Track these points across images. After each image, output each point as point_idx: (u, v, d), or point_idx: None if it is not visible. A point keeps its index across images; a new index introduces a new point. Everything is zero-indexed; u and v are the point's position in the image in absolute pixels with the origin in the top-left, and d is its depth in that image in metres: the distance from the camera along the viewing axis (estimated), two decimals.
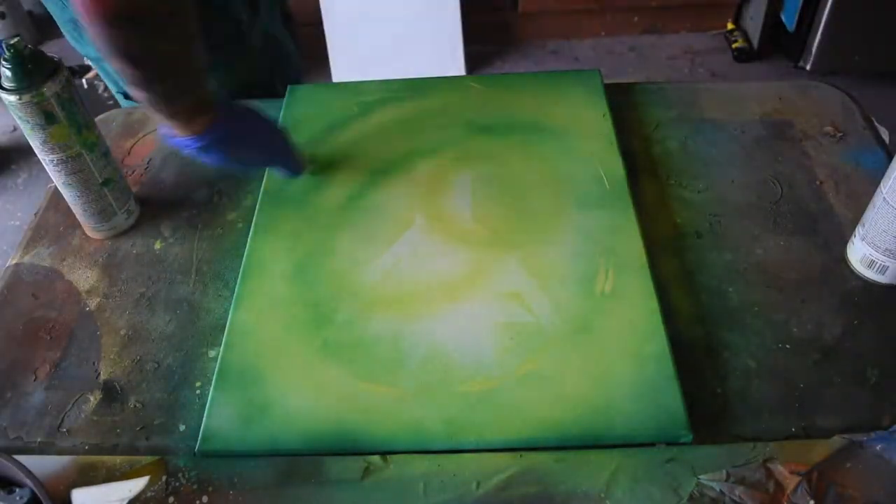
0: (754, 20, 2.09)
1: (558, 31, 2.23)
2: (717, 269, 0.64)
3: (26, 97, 0.59)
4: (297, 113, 0.80)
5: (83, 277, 0.68)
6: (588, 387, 0.55)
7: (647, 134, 0.77)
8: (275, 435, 0.54)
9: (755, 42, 2.09)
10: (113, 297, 0.66)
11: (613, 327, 0.58)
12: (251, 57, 0.89)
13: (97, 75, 1.92)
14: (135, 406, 0.58)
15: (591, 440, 0.52)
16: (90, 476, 0.53)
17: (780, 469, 0.50)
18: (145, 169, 0.78)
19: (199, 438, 0.54)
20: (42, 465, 0.53)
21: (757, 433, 0.53)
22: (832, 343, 0.58)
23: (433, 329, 0.59)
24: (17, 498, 0.51)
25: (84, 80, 1.89)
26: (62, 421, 0.57)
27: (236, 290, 0.63)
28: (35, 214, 0.75)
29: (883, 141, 0.75)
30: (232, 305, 0.62)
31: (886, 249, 0.59)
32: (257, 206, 0.70)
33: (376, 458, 0.53)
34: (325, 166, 0.74)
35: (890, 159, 0.61)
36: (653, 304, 0.59)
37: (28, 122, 0.61)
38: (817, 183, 0.71)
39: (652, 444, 0.52)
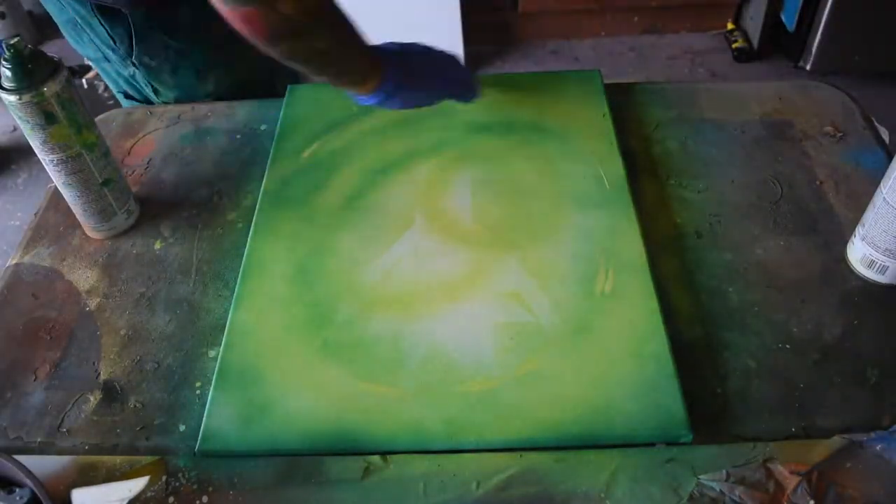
0: (754, 20, 2.09)
1: (558, 31, 2.24)
2: (717, 269, 0.64)
3: (26, 97, 0.59)
4: (297, 113, 0.80)
5: (83, 277, 0.68)
6: (588, 387, 0.55)
7: (647, 134, 0.77)
8: (275, 435, 0.54)
9: (755, 42, 2.09)
10: (113, 297, 0.66)
11: (613, 327, 0.58)
12: (251, 57, 0.89)
13: (97, 75, 1.92)
14: (135, 406, 0.58)
15: (590, 440, 0.52)
16: (90, 476, 0.53)
17: (780, 469, 0.50)
18: (145, 169, 0.78)
19: (199, 438, 0.54)
20: (42, 465, 0.53)
21: (757, 433, 0.53)
22: (832, 343, 0.58)
23: (433, 329, 0.59)
24: (17, 498, 0.51)
25: (84, 80, 1.89)
26: (62, 421, 0.57)
27: (236, 290, 0.63)
28: (35, 214, 0.75)
29: (883, 141, 0.75)
30: (232, 305, 0.62)
31: (886, 249, 0.59)
32: (257, 206, 0.70)
33: (376, 458, 0.53)
34: (326, 166, 0.74)
35: (890, 159, 0.61)
36: (653, 304, 0.59)
37: (28, 122, 0.61)
38: (817, 183, 0.71)
39: (652, 444, 0.52)
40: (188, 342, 0.62)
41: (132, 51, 0.85)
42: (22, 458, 0.50)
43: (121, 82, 0.91)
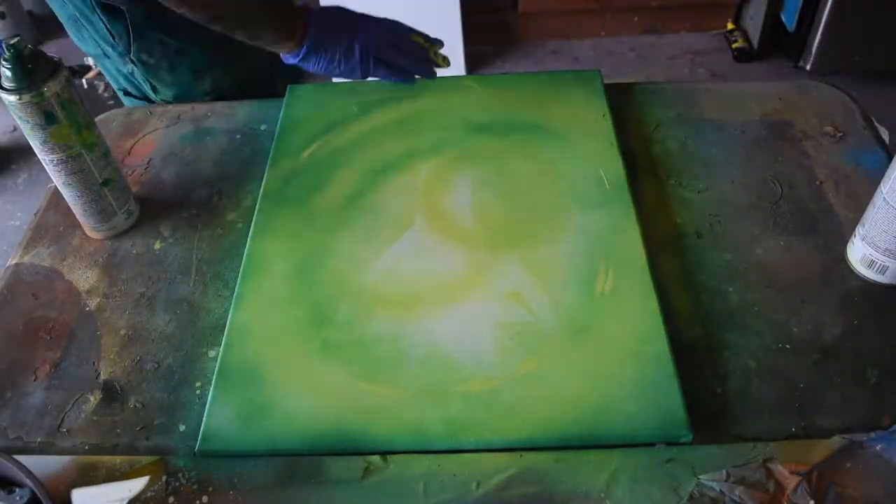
0: (754, 20, 2.09)
1: (558, 31, 2.24)
2: (717, 269, 0.64)
3: (26, 97, 0.59)
4: (297, 113, 0.80)
5: (83, 277, 0.68)
6: (588, 387, 0.55)
7: (647, 134, 0.77)
8: (275, 435, 0.54)
9: (755, 42, 2.09)
10: (113, 297, 0.66)
11: (613, 327, 0.58)
12: (251, 57, 0.89)
13: (97, 75, 1.92)
14: (135, 406, 0.58)
15: (590, 440, 0.52)
16: (90, 476, 0.53)
17: (780, 469, 0.50)
18: (145, 169, 0.78)
19: (199, 438, 0.54)
20: (42, 465, 0.53)
21: (757, 433, 0.53)
22: (832, 343, 0.58)
23: (433, 329, 0.59)
24: (17, 498, 0.51)
25: (84, 80, 1.89)
26: (62, 421, 0.57)
27: (236, 290, 0.63)
28: (35, 214, 0.75)
29: (883, 141, 0.75)
30: (232, 305, 0.62)
31: (886, 249, 0.59)
32: (257, 206, 0.70)
33: (376, 458, 0.53)
34: (325, 166, 0.74)
35: (890, 159, 0.61)
36: (653, 304, 0.59)
37: (28, 122, 0.61)
38: (817, 183, 0.71)
39: (652, 444, 0.52)
40: (188, 342, 0.62)
41: (130, 48, 0.85)
42: (22, 458, 0.50)
43: (120, 79, 0.92)
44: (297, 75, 1.01)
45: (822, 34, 1.87)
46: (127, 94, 0.94)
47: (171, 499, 0.52)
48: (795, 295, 0.61)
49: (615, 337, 0.58)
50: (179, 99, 0.90)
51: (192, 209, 0.73)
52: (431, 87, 0.83)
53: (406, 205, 0.70)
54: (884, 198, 0.58)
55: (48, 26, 2.36)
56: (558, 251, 0.64)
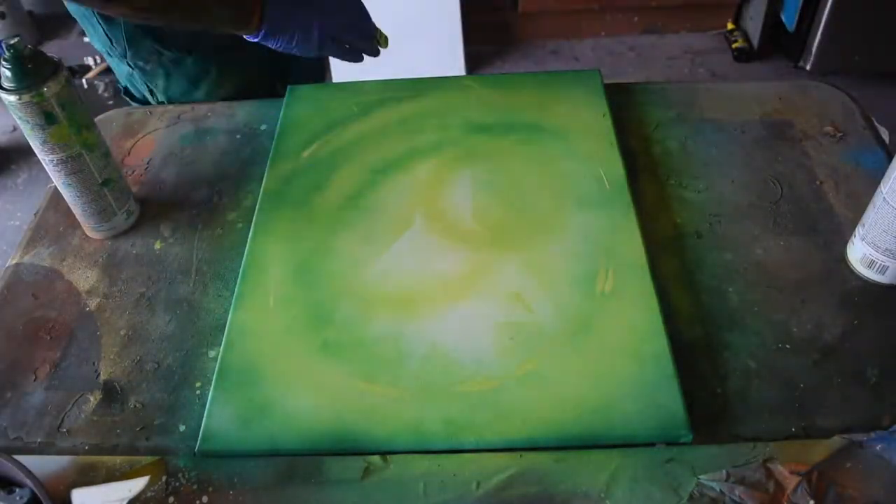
0: (754, 20, 2.09)
1: (558, 31, 2.24)
2: (717, 269, 0.64)
3: (26, 97, 0.59)
4: (297, 113, 0.80)
5: (83, 277, 0.68)
6: (588, 387, 0.55)
7: (647, 134, 0.77)
8: (275, 435, 0.54)
9: (755, 42, 2.09)
10: (113, 297, 0.66)
11: (613, 327, 0.58)
12: (248, 67, 0.89)
13: (97, 75, 1.92)
14: (135, 406, 0.58)
15: (590, 440, 0.52)
16: (90, 476, 0.53)
17: (780, 469, 0.50)
18: (145, 169, 0.78)
19: (199, 438, 0.54)
20: (42, 465, 0.53)
21: (757, 433, 0.53)
22: (832, 343, 0.58)
23: (433, 329, 0.59)
24: (17, 498, 0.51)
25: (84, 80, 1.89)
26: (62, 421, 0.57)
27: (236, 290, 0.63)
28: (35, 214, 0.75)
29: (883, 141, 0.75)
30: (232, 305, 0.62)
31: (886, 249, 0.59)
32: (257, 206, 0.70)
33: (376, 458, 0.53)
34: (325, 166, 0.74)
35: (890, 159, 0.61)
36: (653, 304, 0.59)
37: (28, 122, 0.61)
38: (817, 183, 0.71)
39: (652, 444, 0.52)
40: (188, 342, 0.62)
41: (127, 53, 0.85)
42: (22, 458, 0.50)
43: (123, 78, 0.92)
44: (296, 78, 1.01)
45: (822, 34, 1.87)
46: (127, 93, 0.94)
47: (171, 499, 0.52)
48: (795, 295, 0.61)
49: (615, 337, 0.58)
50: (175, 102, 0.90)
51: (192, 209, 0.73)
52: (431, 87, 0.83)
53: (406, 205, 0.70)
54: (884, 198, 0.58)
55: (48, 26, 2.36)
56: (558, 251, 0.64)
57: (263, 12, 0.70)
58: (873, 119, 0.78)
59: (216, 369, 0.58)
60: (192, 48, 0.86)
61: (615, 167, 0.71)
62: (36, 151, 0.64)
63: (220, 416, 0.55)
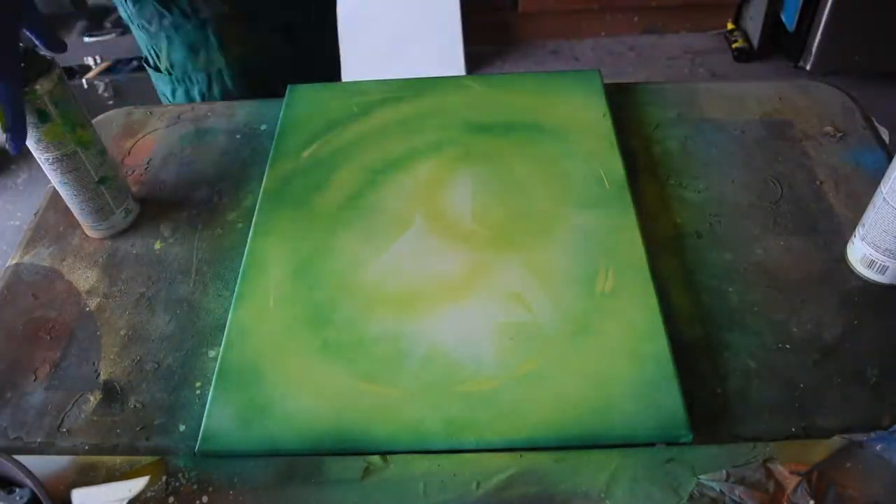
0: (754, 20, 2.09)
1: (558, 31, 2.24)
2: (717, 269, 0.64)
3: None
4: (297, 113, 0.80)
5: (83, 277, 0.68)
6: (588, 387, 0.55)
7: (647, 134, 0.77)
8: (275, 435, 0.54)
9: (755, 42, 2.09)
10: (113, 297, 0.66)
11: (613, 327, 0.58)
12: (249, 44, 0.90)
13: (97, 75, 1.92)
14: (135, 406, 0.58)
15: (590, 440, 0.52)
16: (90, 476, 0.53)
17: (780, 469, 0.50)
18: (145, 169, 0.78)
19: (199, 438, 0.54)
20: (42, 465, 0.53)
21: (757, 433, 0.53)
22: (832, 343, 0.58)
23: (433, 329, 0.59)
24: (17, 498, 0.51)
25: (84, 80, 1.89)
26: (62, 421, 0.57)
27: (236, 290, 0.63)
28: (35, 214, 0.75)
29: (883, 141, 0.75)
30: (232, 305, 0.62)
31: (886, 249, 0.59)
32: (257, 206, 0.70)
33: (376, 458, 0.53)
34: (325, 166, 0.74)
35: (890, 159, 0.61)
36: (653, 304, 0.59)
37: None
38: (817, 183, 0.71)
39: (652, 444, 0.52)
40: (188, 342, 0.62)
41: (133, 12, 0.87)
42: (22, 458, 0.50)
43: (142, 45, 0.94)
44: (296, 74, 1.01)
45: (822, 34, 1.87)
46: (146, 61, 0.96)
47: (171, 499, 0.52)
48: (795, 295, 0.61)
49: (615, 337, 0.58)
50: (177, 78, 0.92)
51: (192, 209, 0.73)
52: (431, 87, 0.83)
53: (406, 205, 0.70)
54: (884, 198, 0.58)
55: (48, 26, 2.36)
56: (558, 251, 0.64)
57: None
58: (873, 119, 0.78)
59: (216, 369, 0.58)
60: (190, 14, 0.87)
61: (615, 167, 0.71)
62: (31, 150, 0.64)
63: (220, 416, 0.55)
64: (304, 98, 0.82)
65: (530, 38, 2.24)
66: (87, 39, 1.94)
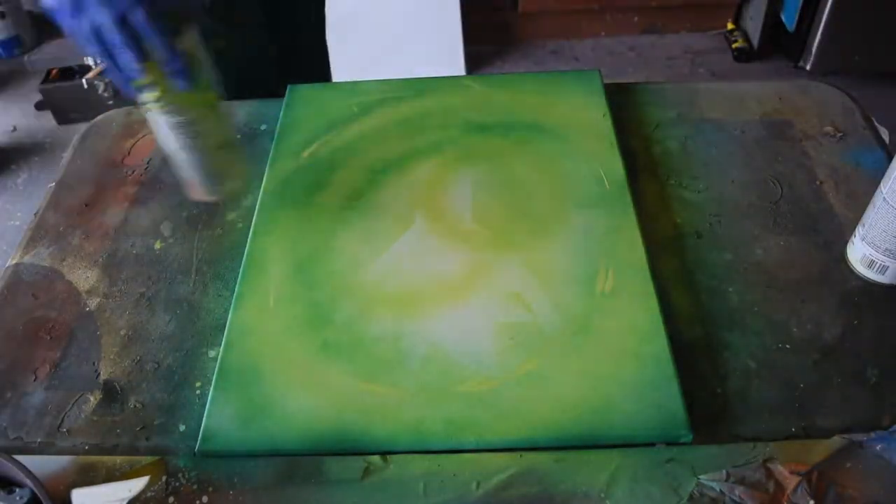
0: (754, 20, 2.09)
1: (558, 31, 2.24)
2: (717, 269, 0.64)
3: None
4: (297, 113, 0.80)
5: (83, 277, 0.68)
6: (588, 387, 0.55)
7: (647, 134, 0.77)
8: (275, 435, 0.54)
9: (755, 42, 2.09)
10: (113, 297, 0.66)
11: (613, 327, 0.58)
12: (234, 28, 0.89)
13: (97, 75, 1.92)
14: (135, 406, 0.58)
15: (590, 440, 0.52)
16: (90, 476, 0.53)
17: (780, 469, 0.50)
18: (145, 169, 0.78)
19: (199, 438, 0.54)
20: (42, 465, 0.53)
21: (757, 433, 0.53)
22: (832, 343, 0.58)
23: (433, 329, 0.59)
24: (17, 498, 0.51)
25: (84, 80, 1.89)
26: (62, 421, 0.57)
27: (236, 290, 0.63)
28: (35, 214, 0.75)
29: (883, 141, 0.75)
30: (232, 305, 0.62)
31: (886, 249, 0.59)
32: (257, 206, 0.70)
33: (376, 458, 0.53)
34: (325, 166, 0.74)
35: (890, 159, 0.61)
36: (653, 304, 0.59)
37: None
38: (817, 183, 0.71)
39: (652, 444, 0.52)
40: (188, 342, 0.62)
41: None
42: (22, 458, 0.50)
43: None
44: (296, 74, 1.01)
45: (822, 34, 1.87)
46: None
47: (171, 499, 0.52)
48: (795, 295, 0.61)
49: (615, 337, 0.58)
50: None
51: (192, 209, 0.73)
52: (431, 87, 0.83)
53: (406, 205, 0.70)
54: (884, 198, 0.58)
55: (48, 26, 2.36)
56: (558, 251, 0.64)
57: None
58: (873, 119, 0.78)
59: (216, 369, 0.58)
60: None
61: (615, 167, 0.71)
62: (157, 115, 0.60)
63: (220, 416, 0.55)
64: (305, 98, 0.82)
65: (530, 38, 2.24)
66: None
